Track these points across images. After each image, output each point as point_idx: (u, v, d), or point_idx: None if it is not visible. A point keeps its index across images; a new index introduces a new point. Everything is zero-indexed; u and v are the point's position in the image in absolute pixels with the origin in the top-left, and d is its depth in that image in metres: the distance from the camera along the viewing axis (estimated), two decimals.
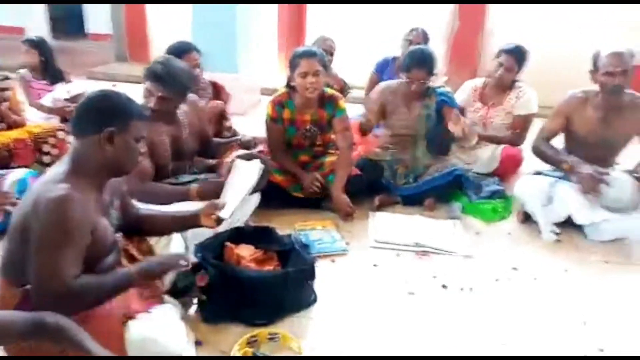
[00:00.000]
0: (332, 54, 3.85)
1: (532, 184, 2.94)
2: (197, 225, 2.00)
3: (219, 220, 1.99)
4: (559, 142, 3.06)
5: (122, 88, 1.75)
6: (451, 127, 2.93)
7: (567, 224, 2.85)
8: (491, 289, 2.37)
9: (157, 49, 6.04)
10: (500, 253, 2.69)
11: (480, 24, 5.66)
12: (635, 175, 2.69)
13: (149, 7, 6.34)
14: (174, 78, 2.34)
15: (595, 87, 2.82)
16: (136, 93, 1.77)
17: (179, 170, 2.54)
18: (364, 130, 3.29)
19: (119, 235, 1.83)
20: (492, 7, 5.60)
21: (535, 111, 3.41)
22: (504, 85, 3.42)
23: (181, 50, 2.96)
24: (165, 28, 6.17)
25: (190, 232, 2.24)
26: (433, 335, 2.04)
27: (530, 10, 5.47)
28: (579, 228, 2.86)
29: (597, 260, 2.67)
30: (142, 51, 6.37)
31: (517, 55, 3.32)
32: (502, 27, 5.56)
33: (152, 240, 2.01)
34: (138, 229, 1.97)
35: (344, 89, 4.02)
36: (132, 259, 1.91)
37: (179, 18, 5.37)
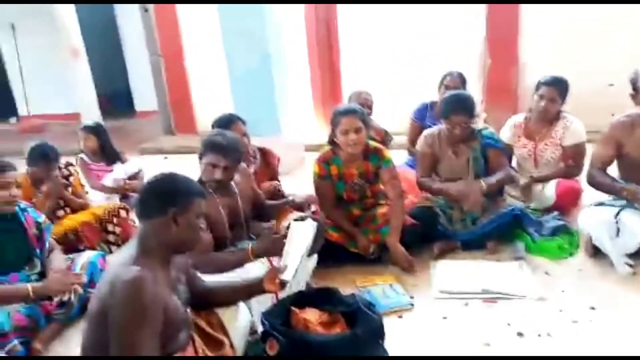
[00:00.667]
0: (370, 107, 3.88)
1: (595, 216, 2.83)
2: (262, 291, 2.02)
3: (283, 284, 2.01)
4: (613, 170, 2.96)
5: (172, 160, 1.85)
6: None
7: None
8: (570, 332, 2.25)
9: (202, 120, 6.34)
10: (574, 292, 2.57)
11: (513, 58, 5.65)
12: None
13: (192, 80, 6.68)
14: (234, 147, 2.47)
15: (638, 110, 2.74)
16: (186, 163, 1.85)
17: (237, 237, 2.59)
18: (422, 187, 3.29)
19: (188, 311, 1.87)
20: (522, 40, 5.60)
21: (584, 139, 3.32)
22: (549, 118, 3.36)
23: (227, 121, 3.08)
24: (207, 99, 6.48)
25: (254, 300, 2.27)
26: None
27: (560, 39, 5.44)
28: None
29: None
30: (188, 123, 6.67)
31: (557, 86, 3.28)
32: (535, 59, 5.53)
33: (219, 312, 2.04)
34: (205, 302, 2.01)
35: (385, 138, 4.02)
36: (202, 332, 1.94)
37: (220, 88, 5.61)
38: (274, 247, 2.27)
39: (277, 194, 3.24)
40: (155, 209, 1.69)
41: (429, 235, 3.06)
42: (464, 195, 3.00)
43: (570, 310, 2.41)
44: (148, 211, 1.71)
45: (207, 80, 6.49)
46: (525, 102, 3.61)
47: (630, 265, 2.70)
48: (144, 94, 8.21)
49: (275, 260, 2.30)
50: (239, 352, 2.01)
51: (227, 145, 2.43)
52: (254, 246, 2.39)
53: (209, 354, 1.88)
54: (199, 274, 2.07)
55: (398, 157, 3.93)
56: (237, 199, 2.58)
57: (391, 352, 2.14)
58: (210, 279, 2.13)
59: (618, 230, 2.75)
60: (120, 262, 1.68)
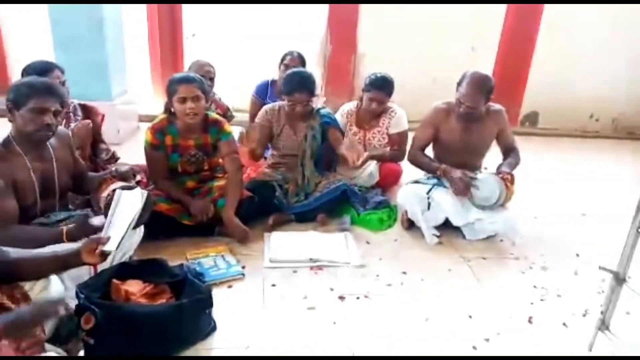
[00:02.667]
0: (211, 79, 3.77)
1: (411, 193, 3.15)
2: (79, 263, 1.84)
3: (104, 255, 1.85)
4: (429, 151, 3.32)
5: None
6: (346, 154, 3.00)
7: (446, 227, 3.09)
8: (385, 294, 2.48)
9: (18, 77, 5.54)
10: (390, 259, 2.83)
11: (351, 48, 5.97)
12: (500, 175, 3.00)
13: (7, 36, 5.79)
14: (60, 88, 2.23)
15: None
16: None
17: (49, 208, 2.32)
18: (256, 158, 3.31)
19: None
20: (361, 32, 5.94)
21: (406, 128, 3.61)
22: (377, 113, 3.59)
23: (43, 68, 2.70)
24: (25, 55, 5.68)
25: (67, 275, 2.07)
26: (335, 347, 2.07)
27: (394, 34, 5.90)
28: (457, 229, 3.11)
29: (475, 257, 2.91)
30: (1, 84, 5.78)
31: (386, 89, 3.47)
32: (371, 50, 5.93)
33: (27, 286, 1.81)
34: (8, 276, 1.76)
35: (227, 114, 3.98)
36: (3, 309, 1.71)
37: (41, 49, 4.95)
38: (91, 230, 2.07)
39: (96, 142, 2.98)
40: None
41: (265, 208, 3.10)
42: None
43: (385, 275, 2.65)
44: None
45: (26, 38, 5.69)
46: (359, 90, 3.85)
47: (437, 236, 3.07)
48: None
49: None
50: (49, 328, 1.82)
51: (54, 85, 2.18)
52: (69, 229, 2.16)
53: None
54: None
55: (238, 133, 3.92)
56: (53, 165, 2.31)
57: (218, 321, 2.14)
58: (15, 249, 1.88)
59: (429, 205, 3.10)
60: None
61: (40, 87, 2.13)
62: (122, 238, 1.90)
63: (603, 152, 5.61)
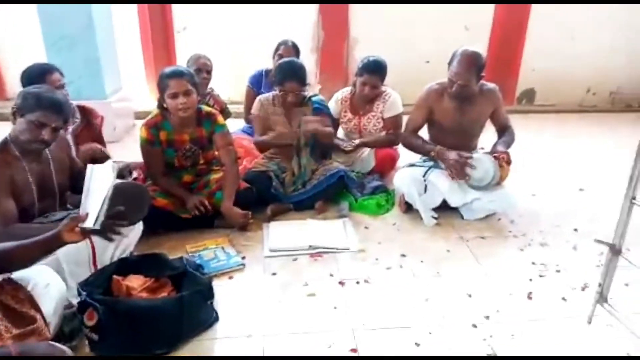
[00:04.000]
0: (208, 72, 3.75)
1: (407, 176, 3.15)
2: (62, 243, 1.79)
3: (84, 232, 1.84)
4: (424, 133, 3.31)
5: None
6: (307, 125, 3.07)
7: (444, 208, 3.11)
8: (384, 277, 2.50)
9: (14, 85, 5.54)
10: (389, 243, 2.85)
11: (344, 33, 5.93)
12: (494, 155, 3.00)
13: None
14: (67, 106, 2.23)
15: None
16: None
17: (48, 209, 2.34)
18: (262, 150, 3.34)
19: None
20: (353, 17, 5.90)
21: (401, 110, 3.59)
22: (371, 98, 3.58)
23: (42, 71, 2.72)
24: (20, 62, 5.67)
25: (68, 274, 2.10)
26: (337, 332, 2.09)
27: (386, 17, 5.86)
28: (454, 210, 3.12)
29: (474, 236, 2.93)
30: None
31: (379, 73, 3.45)
32: (364, 34, 5.90)
33: (29, 286, 1.84)
34: None
35: (224, 111, 3.95)
36: (8, 309, 1.74)
37: (34, 52, 4.93)
38: None
39: (99, 158, 2.99)
40: None
41: (263, 199, 3.11)
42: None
43: (384, 259, 2.67)
44: None
45: (18, 42, 5.67)
46: (354, 75, 3.82)
47: (435, 218, 3.09)
48: None
49: None
50: (53, 326, 1.85)
51: (62, 103, 2.17)
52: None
53: (15, 331, 1.70)
54: None
55: (236, 125, 3.93)
56: (50, 166, 2.33)
57: (220, 312, 2.16)
58: None
59: (425, 187, 3.12)
60: None
61: (47, 102, 2.13)
62: (99, 214, 1.83)
63: (601, 126, 5.60)
